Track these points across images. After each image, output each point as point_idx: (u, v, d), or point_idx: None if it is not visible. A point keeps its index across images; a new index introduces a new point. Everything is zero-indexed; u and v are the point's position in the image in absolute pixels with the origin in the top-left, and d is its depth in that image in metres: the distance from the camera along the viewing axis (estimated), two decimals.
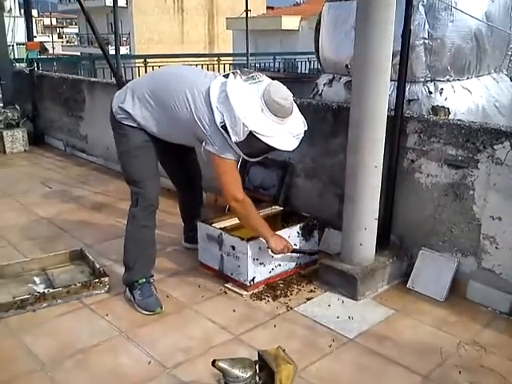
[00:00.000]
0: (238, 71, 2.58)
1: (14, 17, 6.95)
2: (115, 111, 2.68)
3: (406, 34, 2.82)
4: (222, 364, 1.83)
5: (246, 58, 8.57)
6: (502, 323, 2.57)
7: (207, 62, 9.85)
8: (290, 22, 20.60)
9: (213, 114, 2.45)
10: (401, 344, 2.39)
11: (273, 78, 2.64)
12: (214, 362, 1.84)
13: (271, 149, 2.53)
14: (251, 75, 2.57)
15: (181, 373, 2.18)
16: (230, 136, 2.43)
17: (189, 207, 3.31)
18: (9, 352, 2.34)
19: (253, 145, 2.48)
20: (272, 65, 10.34)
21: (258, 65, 10.63)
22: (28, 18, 6.52)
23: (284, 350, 1.98)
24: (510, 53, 3.36)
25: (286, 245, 2.79)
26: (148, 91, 2.62)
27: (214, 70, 8.79)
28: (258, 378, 1.89)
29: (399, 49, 2.80)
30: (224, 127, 2.43)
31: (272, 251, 2.77)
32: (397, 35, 2.76)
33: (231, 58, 11.88)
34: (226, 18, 23.23)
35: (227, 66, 9.60)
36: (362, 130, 2.70)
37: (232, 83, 2.48)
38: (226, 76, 2.57)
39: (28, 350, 2.35)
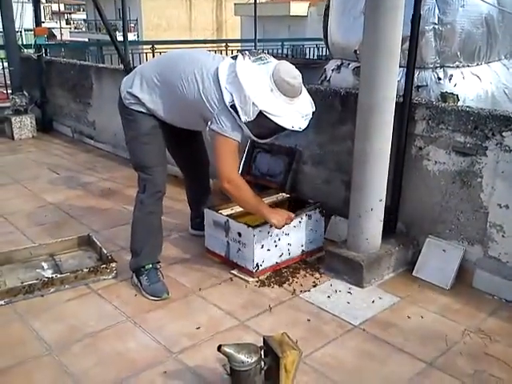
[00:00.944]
0: (247, 52, 2.57)
1: (22, 2, 6.90)
2: (124, 96, 2.67)
3: (415, 20, 2.78)
4: (227, 349, 1.84)
5: (253, 44, 8.52)
6: (508, 312, 2.56)
7: (215, 48, 9.79)
8: (298, 8, 20.40)
9: (222, 93, 2.45)
10: (405, 331, 2.40)
11: None
12: (219, 347, 1.85)
13: (280, 129, 2.52)
14: (259, 56, 2.56)
15: (187, 358, 2.20)
16: (239, 116, 2.42)
17: (196, 194, 3.31)
18: (17, 336, 2.37)
19: (262, 125, 2.48)
20: (280, 51, 10.26)
21: (266, 51, 10.55)
22: (36, 4, 6.49)
23: (289, 336, 2.00)
24: None
25: (288, 216, 2.79)
26: (156, 74, 2.61)
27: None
28: (263, 363, 1.90)
29: (408, 34, 2.76)
30: (233, 107, 2.42)
31: (275, 227, 2.76)
32: (406, 20, 2.72)
33: (239, 44, 11.82)
34: (234, 4, 23.01)
35: (235, 53, 9.53)
36: (370, 116, 2.68)
37: (241, 64, 2.47)
38: (234, 58, 2.56)
39: (36, 335, 2.38)
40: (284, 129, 2.52)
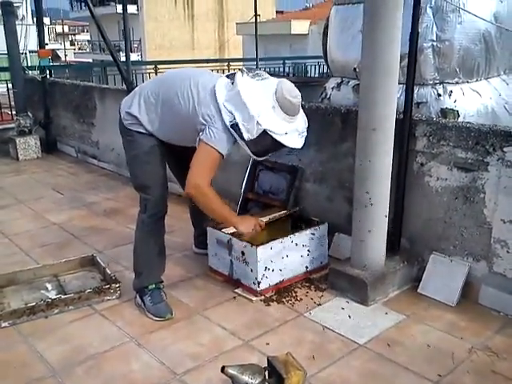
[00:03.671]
0: (245, 69, 2.60)
1: (27, 25, 7.00)
2: (123, 117, 2.69)
3: (413, 37, 2.81)
4: (231, 370, 1.84)
5: (255, 63, 8.60)
6: None
7: (218, 68, 9.87)
8: (299, 27, 20.59)
9: (220, 110, 2.45)
10: (411, 349, 2.38)
11: None
12: (223, 369, 1.85)
13: (279, 147, 2.55)
14: (256, 73, 2.59)
15: (190, 379, 2.19)
16: (240, 134, 2.43)
17: (198, 211, 3.30)
18: (21, 358, 2.37)
19: (261, 142, 2.49)
20: (281, 69, 10.34)
21: (267, 69, 10.64)
22: (40, 26, 6.59)
23: (293, 356, 1.98)
24: None
25: (256, 223, 2.78)
26: (153, 93, 2.62)
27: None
28: (267, 383, 1.89)
29: (407, 52, 2.79)
30: (234, 126, 2.43)
31: (244, 234, 2.75)
32: (405, 38, 2.75)
33: (241, 63, 11.92)
34: (236, 23, 23.30)
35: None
36: (370, 134, 2.69)
37: (242, 81, 2.49)
38: (231, 76, 2.58)
39: (40, 356, 2.37)
40: (282, 146, 2.53)
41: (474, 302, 2.74)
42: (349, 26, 3.52)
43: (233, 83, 2.51)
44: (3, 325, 2.60)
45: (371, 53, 2.63)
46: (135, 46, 27.60)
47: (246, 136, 2.42)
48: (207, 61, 10.89)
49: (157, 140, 2.68)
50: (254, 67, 8.28)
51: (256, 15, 8.67)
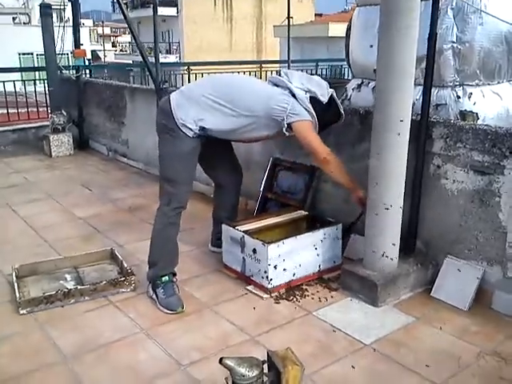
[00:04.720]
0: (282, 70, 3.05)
1: (64, 26, 7.20)
2: (179, 117, 2.79)
3: (431, 39, 2.79)
4: (228, 361, 1.86)
5: (287, 65, 8.61)
6: None
7: (249, 69, 9.94)
8: (337, 29, 20.45)
9: (294, 95, 2.83)
10: (418, 351, 2.36)
11: None
12: (221, 360, 1.87)
13: (335, 117, 2.99)
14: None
15: (194, 370, 2.23)
16: (319, 99, 2.85)
17: (224, 207, 3.36)
18: (35, 344, 2.46)
19: (324, 114, 2.89)
20: (314, 71, 10.32)
21: (301, 71, 10.63)
22: (76, 27, 6.79)
23: (293, 352, 2.00)
24: None
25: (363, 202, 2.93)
26: (215, 95, 2.81)
27: (260, 78, 8.96)
28: (265, 377, 1.91)
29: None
30: (311, 98, 2.84)
31: (358, 200, 2.95)
32: (424, 39, 2.74)
33: (277, 65, 11.96)
34: (273, 26, 23.35)
35: (273, 73, 9.75)
36: (384, 135, 2.69)
37: (291, 71, 3.01)
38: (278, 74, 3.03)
39: (53, 344, 2.46)
40: (339, 116, 2.99)
41: (486, 307, 2.69)
42: (370, 28, 3.50)
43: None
44: (21, 312, 2.71)
45: (386, 54, 2.63)
46: (174, 47, 28.05)
47: (323, 99, 2.86)
48: (240, 62, 10.97)
49: (199, 143, 2.86)
50: (285, 69, 8.29)
51: (289, 18, 8.67)
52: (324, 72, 11.10)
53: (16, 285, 2.89)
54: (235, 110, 2.81)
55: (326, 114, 2.92)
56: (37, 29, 8.13)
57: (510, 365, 2.25)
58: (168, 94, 2.97)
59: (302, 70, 9.97)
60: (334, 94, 2.97)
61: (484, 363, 2.27)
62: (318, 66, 10.62)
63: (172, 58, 26.11)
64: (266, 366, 1.94)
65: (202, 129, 2.82)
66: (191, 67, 9.08)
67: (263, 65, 10.19)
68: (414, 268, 2.88)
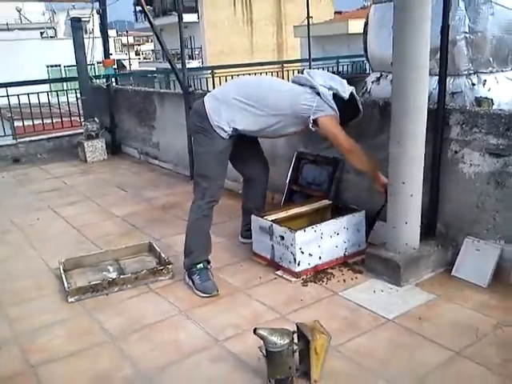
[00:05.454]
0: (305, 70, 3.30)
1: (93, 37, 7.52)
2: (215, 119, 3.02)
3: (444, 30, 2.93)
4: (261, 331, 2.06)
5: (308, 64, 8.79)
6: None
7: (271, 70, 10.14)
8: (356, 26, 20.47)
9: (318, 93, 3.01)
10: (438, 325, 2.51)
11: None
12: (255, 330, 2.07)
13: (355, 112, 3.17)
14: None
15: (230, 345, 2.44)
16: (341, 95, 3.02)
17: (253, 199, 3.57)
18: (85, 327, 2.71)
19: (347, 109, 3.09)
20: (335, 68, 10.46)
21: (323, 69, 10.80)
22: (105, 38, 7.11)
23: (320, 324, 2.19)
24: None
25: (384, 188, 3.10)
26: (243, 97, 3.03)
27: (282, 77, 9.14)
28: (295, 345, 2.10)
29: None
30: (334, 94, 3.02)
31: (382, 187, 3.12)
32: (438, 32, 2.88)
33: (299, 64, 12.12)
34: (294, 26, 23.50)
35: (295, 72, 9.97)
36: (402, 124, 2.84)
37: (314, 71, 3.23)
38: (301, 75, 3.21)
39: (101, 326, 2.70)
40: (358, 111, 3.17)
41: (505, 284, 2.82)
42: (386, 23, 3.66)
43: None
44: (70, 300, 2.96)
45: (401, 46, 2.79)
46: (196, 53, 28.42)
47: (344, 95, 3.04)
48: (261, 63, 11.19)
49: (231, 142, 3.09)
50: (307, 67, 8.48)
51: (308, 17, 8.86)
52: (345, 68, 11.24)
53: (64, 276, 3.15)
54: (264, 109, 3.02)
55: (347, 109, 3.10)
56: (63, 41, 8.48)
57: None
58: (200, 98, 3.20)
59: (323, 68, 10.16)
60: (354, 91, 3.14)
61: (501, 333, 2.41)
62: (338, 63, 10.75)
63: (195, 64, 26.46)
64: (295, 336, 2.13)
65: (235, 130, 3.04)
66: (215, 71, 9.31)
67: (285, 65, 10.36)
68: (434, 249, 3.03)
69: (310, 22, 9.14)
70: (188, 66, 6.28)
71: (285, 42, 28.69)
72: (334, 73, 10.11)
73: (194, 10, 26.97)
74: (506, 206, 2.82)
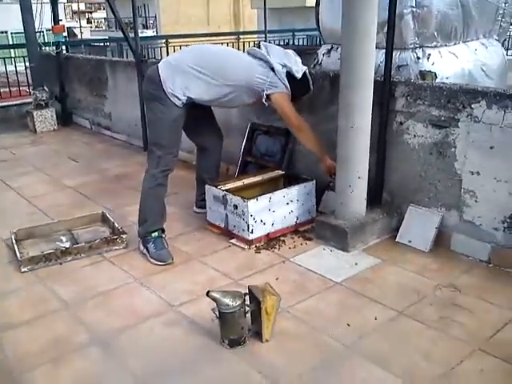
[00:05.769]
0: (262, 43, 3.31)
1: (41, 3, 7.24)
2: (168, 86, 3.00)
3: (392, 4, 3.02)
4: (214, 294, 2.14)
5: (264, 36, 8.78)
6: (480, 269, 2.81)
7: (227, 41, 10.07)
8: None
9: (273, 68, 3.06)
10: (383, 287, 2.66)
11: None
12: (208, 293, 2.15)
13: (306, 89, 3.26)
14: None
15: (185, 309, 2.51)
16: (293, 74, 3.09)
17: (206, 169, 3.61)
18: (39, 296, 2.71)
19: (299, 86, 3.16)
20: (291, 41, 10.49)
21: (278, 42, 10.80)
22: (54, 4, 6.86)
23: (271, 286, 2.28)
24: (499, 19, 3.50)
25: (333, 168, 3.18)
26: (198, 66, 3.02)
27: (238, 49, 9.10)
28: (247, 307, 2.19)
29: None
30: (287, 72, 3.08)
31: (327, 169, 3.26)
32: (386, 5, 2.96)
33: (255, 36, 12.06)
34: None
35: (250, 44, 9.93)
36: (350, 95, 2.93)
37: (271, 46, 3.28)
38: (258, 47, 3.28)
39: (55, 295, 2.71)
40: (308, 88, 3.25)
41: (446, 249, 3.00)
42: None
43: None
44: (23, 270, 2.94)
45: (350, 19, 2.86)
46: (151, 22, 27.70)
47: (297, 75, 3.10)
48: (217, 34, 11.07)
49: (184, 111, 3.08)
50: (262, 40, 8.47)
51: None
52: (301, 42, 11.27)
53: (16, 247, 3.12)
54: (219, 79, 3.04)
55: (298, 87, 3.17)
56: (10, 6, 8.14)
57: (464, 294, 2.57)
58: (153, 65, 3.17)
59: (278, 41, 10.17)
60: (307, 71, 3.22)
61: (440, 294, 2.58)
62: (294, 36, 10.77)
63: (149, 33, 25.83)
64: (247, 298, 2.22)
65: (189, 98, 3.05)
66: (169, 40, 9.17)
67: (241, 36, 10.28)
68: (380, 217, 3.17)
69: None
70: (142, 35, 6.18)
71: (242, 13, 28.33)
72: (287, 44, 10.15)
73: None
74: (447, 175, 2.97)
